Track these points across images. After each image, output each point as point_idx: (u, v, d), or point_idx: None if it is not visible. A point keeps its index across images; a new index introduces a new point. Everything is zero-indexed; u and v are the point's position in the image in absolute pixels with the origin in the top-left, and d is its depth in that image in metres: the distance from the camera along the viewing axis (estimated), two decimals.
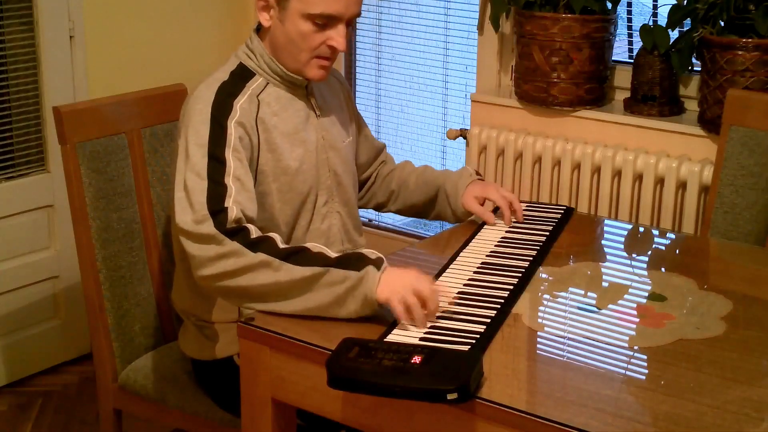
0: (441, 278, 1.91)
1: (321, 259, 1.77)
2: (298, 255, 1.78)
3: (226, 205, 1.83)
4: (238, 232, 1.81)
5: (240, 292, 1.80)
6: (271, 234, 1.83)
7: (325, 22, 1.95)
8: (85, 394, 3.13)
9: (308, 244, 1.82)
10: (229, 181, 1.87)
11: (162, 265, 2.35)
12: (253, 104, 2.00)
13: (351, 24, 2.02)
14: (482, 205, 2.25)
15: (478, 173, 2.32)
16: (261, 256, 1.77)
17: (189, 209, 1.84)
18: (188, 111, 1.97)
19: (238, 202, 1.85)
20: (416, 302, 1.70)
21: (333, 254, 1.79)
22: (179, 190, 1.88)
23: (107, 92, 2.73)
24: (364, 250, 1.81)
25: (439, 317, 1.73)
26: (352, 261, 1.76)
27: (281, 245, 1.80)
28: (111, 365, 2.26)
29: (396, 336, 1.66)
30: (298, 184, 2.05)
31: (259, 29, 2.09)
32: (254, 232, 1.82)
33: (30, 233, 3.13)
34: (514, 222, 2.23)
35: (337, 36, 1.97)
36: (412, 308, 1.70)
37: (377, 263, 1.76)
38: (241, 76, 2.04)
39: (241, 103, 1.98)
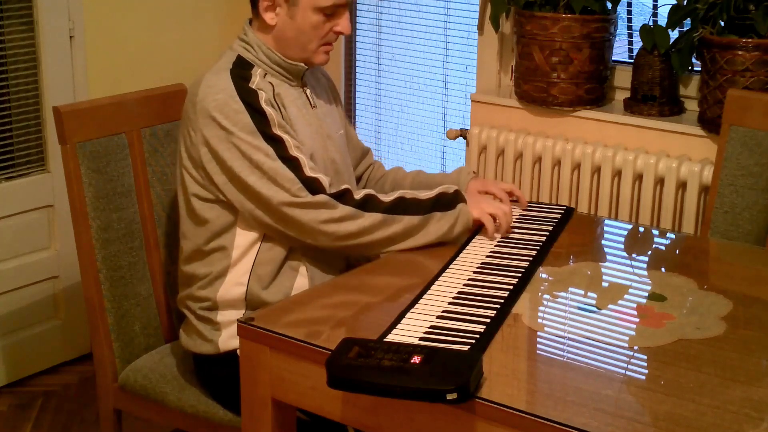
0: (441, 278, 1.91)
1: (423, 206, 2.05)
2: (402, 205, 2.04)
3: (309, 174, 2.00)
4: (342, 196, 2.01)
5: (359, 247, 2.05)
6: (368, 191, 2.06)
7: (333, 11, 2.08)
8: (85, 394, 3.13)
9: (400, 192, 2.08)
10: (294, 153, 2.01)
11: (162, 265, 2.35)
12: (267, 85, 2.08)
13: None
14: None
15: (474, 172, 2.34)
16: (375, 216, 2.01)
17: (279, 186, 1.98)
18: (206, 102, 2.00)
19: (313, 169, 2.02)
20: (502, 213, 2.11)
21: (424, 196, 2.07)
22: (251, 173, 1.98)
23: (107, 92, 2.73)
24: (441, 189, 2.10)
25: (438, 317, 1.73)
26: (445, 202, 2.07)
27: (383, 198, 2.05)
28: (111, 365, 2.26)
29: (396, 336, 1.66)
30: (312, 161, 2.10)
31: (251, 21, 2.14)
32: (355, 193, 2.03)
33: (30, 233, 3.13)
34: (515, 222, 2.23)
35: (343, 21, 2.12)
36: (500, 217, 2.11)
37: (460, 197, 2.09)
38: (241, 67, 2.09)
39: (256, 83, 2.06)
